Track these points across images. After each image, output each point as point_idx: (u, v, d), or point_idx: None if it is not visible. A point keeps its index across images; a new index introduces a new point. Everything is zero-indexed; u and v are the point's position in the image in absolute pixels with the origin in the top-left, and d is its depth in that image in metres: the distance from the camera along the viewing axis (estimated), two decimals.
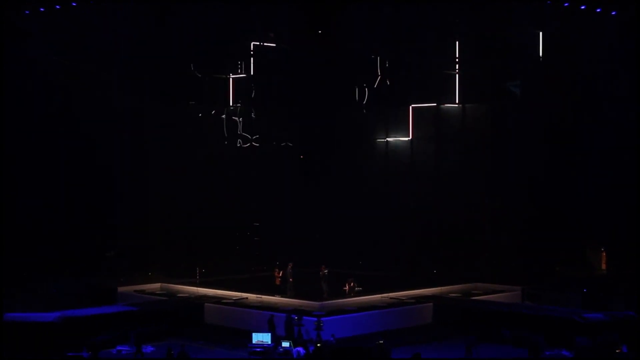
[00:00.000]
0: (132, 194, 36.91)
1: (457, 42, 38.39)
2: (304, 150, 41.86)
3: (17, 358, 24.36)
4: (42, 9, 31.90)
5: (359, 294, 31.52)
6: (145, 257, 37.30)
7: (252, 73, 39.44)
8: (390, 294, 31.42)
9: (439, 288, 33.07)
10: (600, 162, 33.67)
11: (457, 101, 38.96)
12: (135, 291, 33.63)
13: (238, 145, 39.01)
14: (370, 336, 26.47)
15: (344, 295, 31.42)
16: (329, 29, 39.17)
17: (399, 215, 39.91)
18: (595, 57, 33.62)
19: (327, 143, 41.82)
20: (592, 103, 34.02)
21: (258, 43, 39.32)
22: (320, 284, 32.69)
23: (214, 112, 38.52)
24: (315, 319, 26.08)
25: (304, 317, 26.48)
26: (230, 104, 39.36)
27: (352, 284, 32.14)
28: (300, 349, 24.19)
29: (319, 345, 24.51)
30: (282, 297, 31.15)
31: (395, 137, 41.02)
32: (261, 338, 25.11)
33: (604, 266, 35.43)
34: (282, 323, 26.51)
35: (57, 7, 31.93)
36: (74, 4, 32.15)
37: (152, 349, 26.20)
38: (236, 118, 38.94)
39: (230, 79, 39.53)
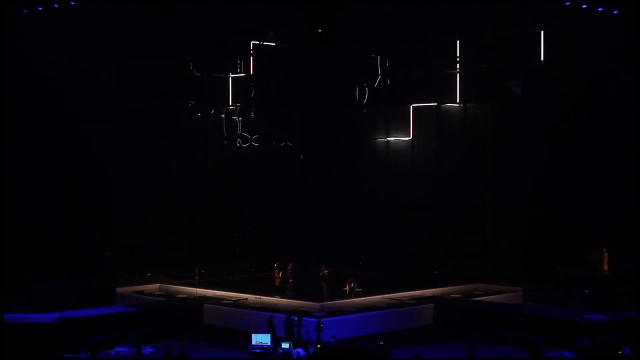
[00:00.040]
0: (131, 194, 36.75)
1: (457, 42, 38.23)
2: (304, 150, 41.74)
3: (15, 359, 24.25)
4: (40, 8, 31.79)
5: (359, 294, 31.42)
6: (144, 257, 37.15)
7: (251, 72, 39.31)
8: (390, 294, 31.30)
9: (440, 289, 32.94)
10: (601, 162, 33.53)
11: (457, 101, 38.77)
12: (134, 292, 33.54)
13: (238, 145, 38.98)
14: (371, 337, 26.36)
15: (344, 296, 31.34)
16: (329, 29, 39.04)
17: (399, 216, 39.73)
18: (596, 57, 33.49)
19: (327, 143, 41.71)
20: (592, 103, 33.90)
21: (258, 42, 39.22)
22: (320, 284, 32.61)
23: (213, 111, 38.52)
24: (315, 320, 26.00)
25: (304, 318, 26.39)
26: (230, 104, 39.30)
27: (352, 285, 32.02)
28: (300, 350, 24.09)
29: (319, 346, 24.42)
30: (281, 297, 31.08)
31: (396, 136, 40.86)
32: (261, 339, 25.10)
33: (605, 267, 35.29)
34: (282, 324, 26.41)
35: (56, 5, 31.81)
36: (73, 3, 32.05)
37: (151, 350, 26.14)
38: (236, 118, 38.92)
39: (230, 79, 39.43)
